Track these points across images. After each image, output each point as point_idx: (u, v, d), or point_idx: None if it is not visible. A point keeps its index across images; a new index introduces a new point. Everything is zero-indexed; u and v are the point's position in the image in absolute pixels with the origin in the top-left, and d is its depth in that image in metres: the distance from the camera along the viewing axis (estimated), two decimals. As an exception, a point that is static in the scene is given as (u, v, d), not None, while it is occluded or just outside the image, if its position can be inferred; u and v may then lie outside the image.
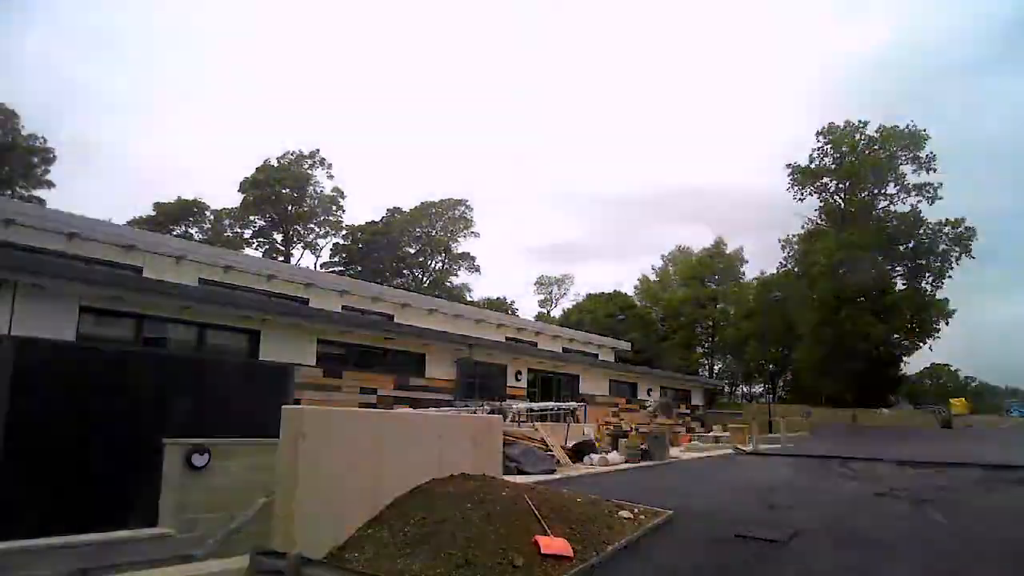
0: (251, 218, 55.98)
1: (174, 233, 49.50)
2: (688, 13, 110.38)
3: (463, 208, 61.91)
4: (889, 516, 9.28)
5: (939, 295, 51.29)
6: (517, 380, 23.76)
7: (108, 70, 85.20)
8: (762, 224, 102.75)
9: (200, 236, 52.29)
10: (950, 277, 51.26)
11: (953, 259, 50.80)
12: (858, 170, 52.40)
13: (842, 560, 6.64)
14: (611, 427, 19.40)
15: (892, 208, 53.62)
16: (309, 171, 56.43)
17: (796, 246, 57.18)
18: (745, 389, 65.79)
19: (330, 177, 57.71)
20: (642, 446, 15.98)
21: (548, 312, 70.41)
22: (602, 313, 58.04)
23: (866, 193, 54.11)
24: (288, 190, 55.44)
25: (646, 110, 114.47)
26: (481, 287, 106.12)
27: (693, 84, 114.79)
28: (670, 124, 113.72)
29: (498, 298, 66.19)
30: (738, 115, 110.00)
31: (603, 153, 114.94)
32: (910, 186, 52.49)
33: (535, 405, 19.80)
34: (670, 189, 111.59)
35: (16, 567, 6.62)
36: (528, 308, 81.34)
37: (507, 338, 28.38)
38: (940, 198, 51.59)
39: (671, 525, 8.28)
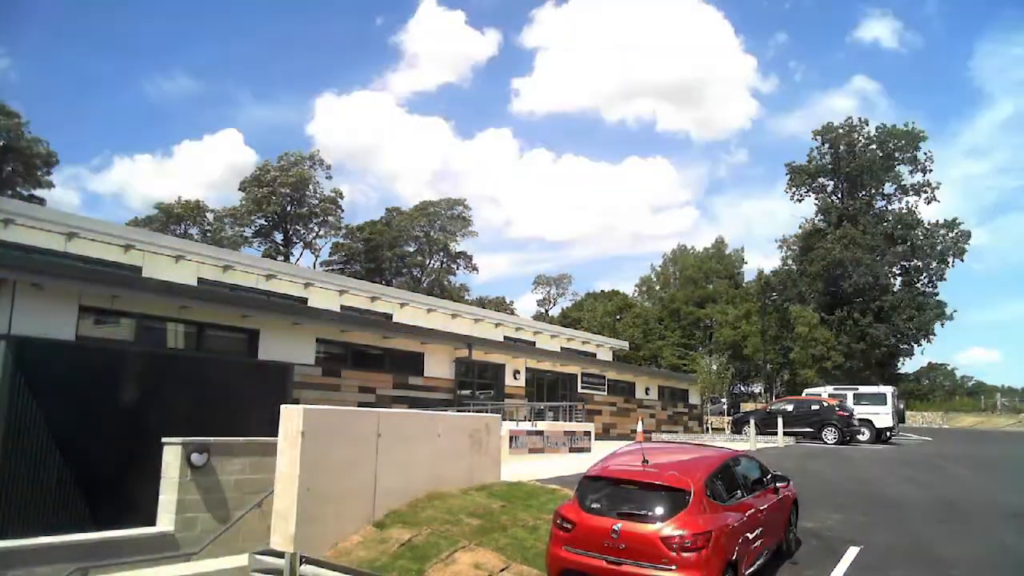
0: (251, 218, 55.97)
1: (174, 233, 49.48)
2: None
3: (461, 207, 61.96)
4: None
5: (936, 295, 51.50)
6: (515, 379, 23.80)
7: (108, 69, 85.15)
8: (762, 223, 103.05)
9: (200, 236, 52.26)
10: (944, 280, 51.52)
11: (950, 260, 51.05)
12: (856, 170, 52.45)
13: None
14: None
15: (890, 208, 53.73)
16: (309, 171, 56.43)
17: (794, 246, 57.27)
18: (744, 388, 65.83)
19: (329, 178, 57.79)
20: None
21: (547, 311, 70.45)
22: (601, 312, 58.10)
23: (864, 193, 54.15)
24: (288, 190, 55.43)
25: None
26: (480, 286, 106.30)
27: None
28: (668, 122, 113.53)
29: (497, 297, 66.21)
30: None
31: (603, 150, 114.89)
32: (907, 186, 52.60)
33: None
34: (670, 186, 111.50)
35: (16, 566, 6.65)
36: (527, 307, 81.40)
37: (505, 337, 28.41)
38: (937, 200, 51.82)
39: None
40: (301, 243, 58.27)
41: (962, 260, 50.77)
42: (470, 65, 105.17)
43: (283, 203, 55.61)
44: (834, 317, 49.05)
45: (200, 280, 18.77)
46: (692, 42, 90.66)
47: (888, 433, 24.43)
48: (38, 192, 44.55)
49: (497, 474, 10.56)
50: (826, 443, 22.63)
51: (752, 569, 6.45)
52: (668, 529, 5.57)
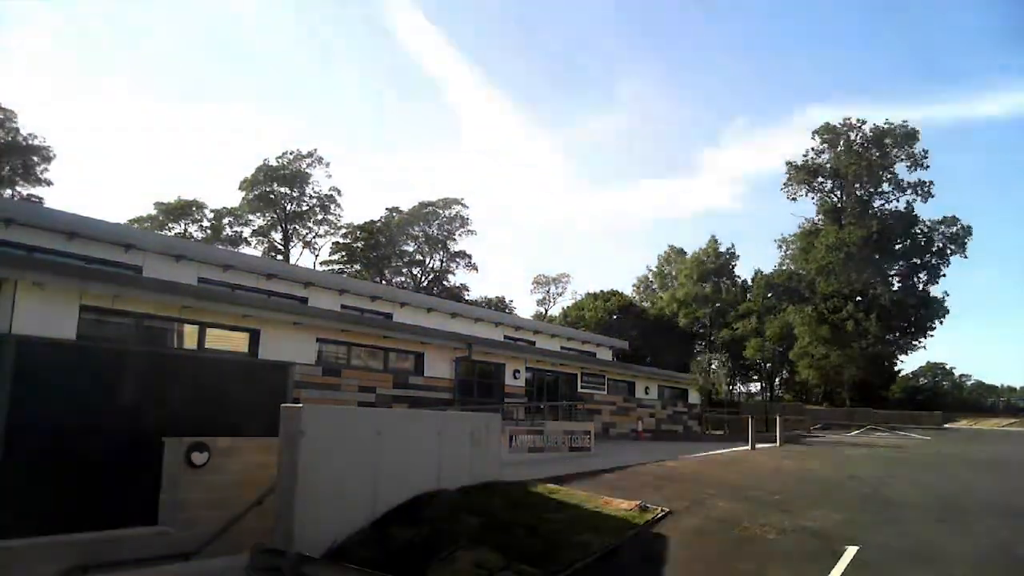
0: (250, 217, 55.98)
1: (174, 232, 49.53)
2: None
3: (460, 207, 61.95)
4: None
5: (935, 293, 51.64)
6: (515, 379, 23.80)
7: (108, 69, 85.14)
8: (762, 223, 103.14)
9: (199, 235, 52.30)
10: (944, 276, 51.62)
11: (948, 257, 51.15)
12: (853, 168, 52.57)
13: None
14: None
15: (887, 206, 53.86)
16: (308, 170, 56.47)
17: (793, 245, 57.34)
18: (742, 388, 65.88)
19: (328, 176, 57.80)
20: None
21: (546, 311, 70.36)
22: (600, 312, 58.04)
23: (862, 191, 54.28)
24: (287, 189, 55.46)
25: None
26: (479, 286, 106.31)
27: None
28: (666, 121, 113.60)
29: (496, 297, 66.18)
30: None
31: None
32: (905, 184, 52.74)
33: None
34: (667, 187, 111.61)
35: (17, 564, 6.67)
36: (526, 307, 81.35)
37: (505, 337, 28.42)
38: (932, 196, 51.99)
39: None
40: (300, 242, 58.32)
41: (964, 256, 50.86)
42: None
43: (282, 202, 55.65)
44: (833, 316, 49.11)
45: (200, 280, 18.77)
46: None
47: None
48: (36, 190, 44.65)
49: (498, 473, 10.58)
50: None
51: None
52: None
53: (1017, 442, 28.63)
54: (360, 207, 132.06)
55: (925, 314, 50.67)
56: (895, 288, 52.15)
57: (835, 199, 55.29)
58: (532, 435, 17.26)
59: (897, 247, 51.72)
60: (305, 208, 57.05)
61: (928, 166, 51.84)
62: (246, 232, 56.09)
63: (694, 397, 37.22)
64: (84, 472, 10.18)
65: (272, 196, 55.10)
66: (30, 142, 44.12)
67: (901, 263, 52.33)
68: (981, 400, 68.50)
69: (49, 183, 45.61)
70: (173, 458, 8.12)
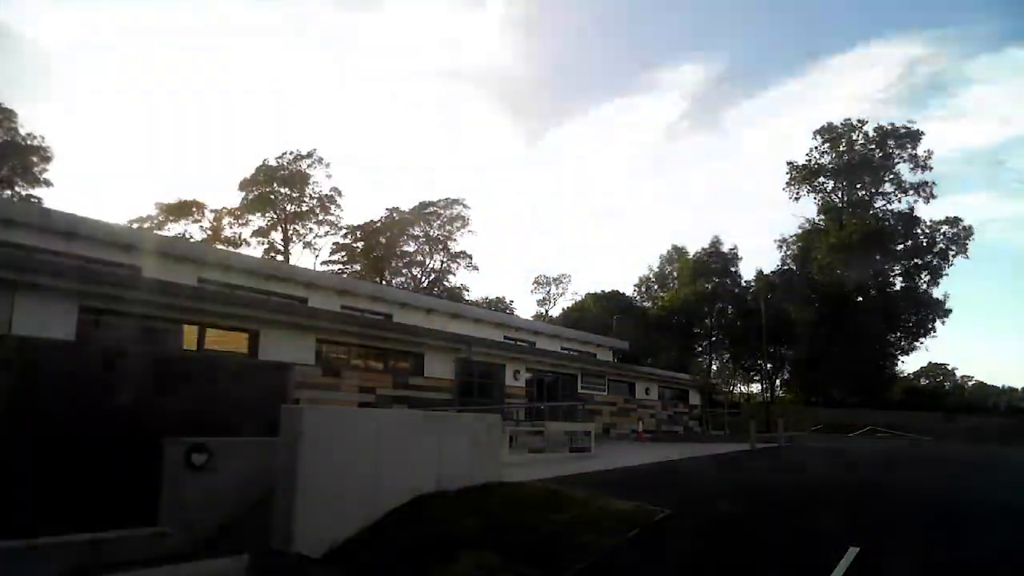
0: (250, 217, 55.94)
1: (173, 232, 49.54)
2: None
3: (460, 207, 61.88)
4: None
5: (936, 294, 51.56)
6: (515, 379, 23.79)
7: (107, 68, 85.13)
8: (761, 223, 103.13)
9: (200, 235, 52.30)
10: (946, 275, 51.54)
11: (950, 257, 51.07)
12: (855, 169, 52.57)
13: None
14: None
15: (889, 207, 53.83)
16: (307, 170, 56.41)
17: (794, 245, 57.30)
18: (743, 388, 65.81)
19: (328, 176, 57.70)
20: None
21: (546, 311, 70.30)
22: (600, 312, 58.00)
23: (864, 192, 54.28)
24: (287, 189, 55.42)
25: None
26: (479, 286, 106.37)
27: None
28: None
29: (497, 298, 66.12)
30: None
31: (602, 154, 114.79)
32: (907, 185, 52.72)
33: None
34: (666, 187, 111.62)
35: (14, 566, 6.65)
36: (526, 307, 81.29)
37: (505, 338, 28.41)
38: (935, 196, 51.96)
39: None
40: (300, 243, 58.25)
41: (966, 256, 50.79)
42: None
43: (282, 202, 55.61)
44: (834, 316, 49.05)
45: (200, 280, 18.76)
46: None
47: None
48: (35, 191, 44.56)
49: (498, 474, 10.55)
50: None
51: None
52: None
53: (1017, 443, 28.52)
54: (360, 207, 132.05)
55: (926, 315, 50.62)
56: (896, 288, 52.12)
57: (836, 199, 55.29)
58: (532, 436, 17.25)
59: (899, 247, 51.69)
60: (305, 208, 57.00)
61: (931, 167, 51.85)
62: (246, 232, 56.06)
63: (694, 398, 37.24)
64: (83, 473, 10.15)
65: (272, 196, 55.06)
66: (29, 142, 44.07)
67: (903, 263, 52.28)
68: (982, 401, 68.37)
69: (48, 183, 45.54)
70: (173, 459, 8.10)
